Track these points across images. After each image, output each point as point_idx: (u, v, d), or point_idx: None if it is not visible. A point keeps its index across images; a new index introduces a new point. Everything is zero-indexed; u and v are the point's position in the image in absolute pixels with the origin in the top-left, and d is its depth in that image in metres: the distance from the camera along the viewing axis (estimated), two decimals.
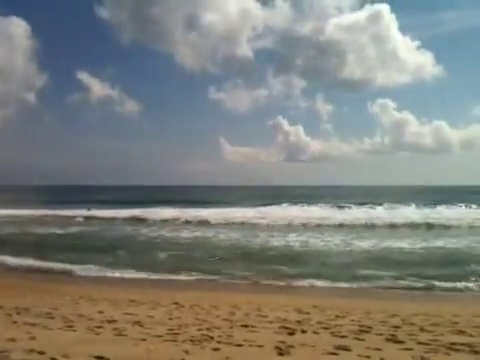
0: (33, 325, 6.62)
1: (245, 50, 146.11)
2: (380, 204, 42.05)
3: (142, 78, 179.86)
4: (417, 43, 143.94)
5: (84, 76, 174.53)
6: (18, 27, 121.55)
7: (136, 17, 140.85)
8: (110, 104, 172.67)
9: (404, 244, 19.61)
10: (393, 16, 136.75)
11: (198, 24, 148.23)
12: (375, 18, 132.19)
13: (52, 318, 7.41)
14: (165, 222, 31.40)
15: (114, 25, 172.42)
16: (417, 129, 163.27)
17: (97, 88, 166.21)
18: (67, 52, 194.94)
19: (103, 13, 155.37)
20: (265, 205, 44.67)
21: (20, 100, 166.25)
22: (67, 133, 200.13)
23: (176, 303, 9.38)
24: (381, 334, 6.38)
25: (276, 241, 21.29)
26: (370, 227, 27.72)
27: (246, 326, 6.89)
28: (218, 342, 5.69)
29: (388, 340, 6.01)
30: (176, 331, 6.38)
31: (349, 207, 40.90)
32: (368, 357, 5.08)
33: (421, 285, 12.02)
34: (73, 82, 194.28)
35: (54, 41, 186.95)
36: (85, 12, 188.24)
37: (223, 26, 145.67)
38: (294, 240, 21.45)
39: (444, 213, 34.39)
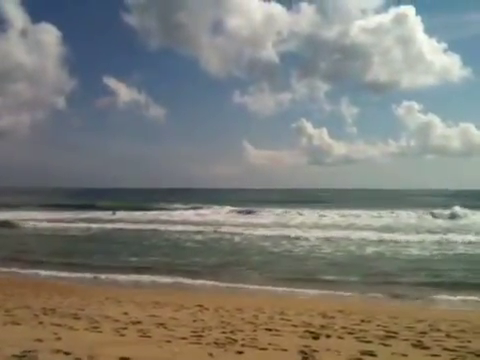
0: (59, 326, 6.70)
1: (270, 54, 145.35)
2: None
3: (168, 83, 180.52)
4: (443, 45, 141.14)
5: (111, 81, 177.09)
6: (49, 33, 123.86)
7: (162, 23, 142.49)
8: (137, 108, 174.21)
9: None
10: (418, 18, 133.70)
11: (224, 29, 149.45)
12: (400, 20, 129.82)
13: (78, 319, 7.50)
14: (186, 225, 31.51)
15: (141, 31, 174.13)
16: (444, 131, 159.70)
17: (124, 93, 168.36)
18: (95, 58, 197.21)
19: (130, 20, 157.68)
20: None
21: (50, 104, 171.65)
22: (95, 137, 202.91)
23: (200, 306, 9.40)
24: (407, 340, 6.27)
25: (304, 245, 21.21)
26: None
27: (270, 330, 6.85)
28: (242, 345, 5.66)
29: (414, 346, 5.90)
30: (200, 333, 6.38)
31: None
32: None
33: (447, 290, 11.83)
34: (101, 87, 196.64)
35: (83, 47, 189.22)
36: (113, 19, 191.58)
37: (248, 31, 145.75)
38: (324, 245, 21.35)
39: None
